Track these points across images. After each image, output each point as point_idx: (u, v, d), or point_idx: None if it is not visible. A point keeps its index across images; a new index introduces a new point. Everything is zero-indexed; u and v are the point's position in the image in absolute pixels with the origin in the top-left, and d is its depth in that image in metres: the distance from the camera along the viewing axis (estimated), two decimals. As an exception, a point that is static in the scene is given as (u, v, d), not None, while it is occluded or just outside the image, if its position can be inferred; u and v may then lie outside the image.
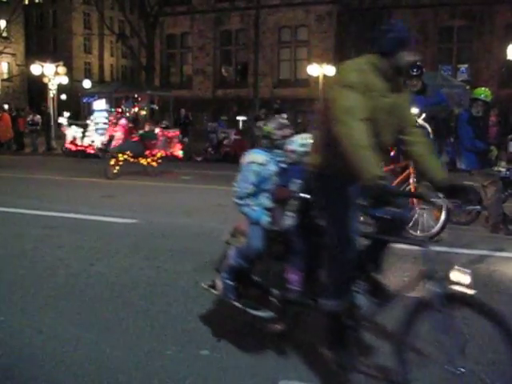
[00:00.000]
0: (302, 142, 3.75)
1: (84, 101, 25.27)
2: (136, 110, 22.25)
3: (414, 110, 7.29)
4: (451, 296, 2.79)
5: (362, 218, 3.53)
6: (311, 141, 3.57)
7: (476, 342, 3.47)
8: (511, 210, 7.83)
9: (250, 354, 3.65)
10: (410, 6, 27.17)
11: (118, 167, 13.08)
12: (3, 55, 45.80)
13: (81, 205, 9.47)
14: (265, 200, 3.76)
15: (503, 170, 7.83)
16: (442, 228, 6.75)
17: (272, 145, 3.82)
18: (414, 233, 6.87)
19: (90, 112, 23.24)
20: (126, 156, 13.22)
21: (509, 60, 21.49)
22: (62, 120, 22.03)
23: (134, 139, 13.82)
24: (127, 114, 22.03)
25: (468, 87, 20.65)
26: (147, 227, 7.72)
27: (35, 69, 24.67)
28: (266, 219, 3.71)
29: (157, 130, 15.01)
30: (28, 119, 24.28)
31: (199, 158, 19.31)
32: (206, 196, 10.68)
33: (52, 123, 23.76)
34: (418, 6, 26.96)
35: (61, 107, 26.43)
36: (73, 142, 20.29)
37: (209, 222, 7.99)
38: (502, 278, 5.42)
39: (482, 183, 7.54)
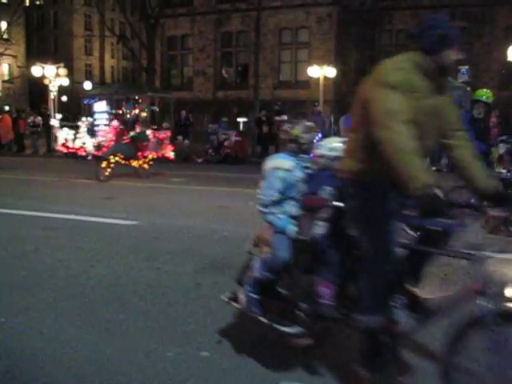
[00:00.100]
0: (331, 145, 3.58)
1: (85, 102, 25.18)
2: (137, 111, 22.30)
3: None
4: (506, 314, 2.59)
5: (402, 228, 3.28)
6: (342, 145, 3.39)
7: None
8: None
9: (251, 355, 3.65)
10: (410, 7, 27.17)
11: (109, 169, 13.01)
12: (4, 57, 45.84)
13: (81, 206, 9.47)
14: (291, 208, 3.57)
15: (504, 171, 7.83)
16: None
17: (299, 149, 3.62)
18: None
19: (91, 113, 23.27)
20: (117, 158, 13.13)
21: (509, 61, 21.49)
22: (54, 122, 21.86)
23: (126, 141, 13.72)
24: (128, 116, 22.05)
25: (469, 89, 20.65)
26: (147, 229, 7.72)
27: (36, 70, 24.69)
28: (292, 228, 3.52)
29: (148, 132, 14.88)
30: (29, 121, 24.30)
31: (200, 160, 19.32)
32: (207, 197, 10.68)
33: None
34: (417, 8, 26.95)
35: (61, 109, 26.43)
36: (64, 145, 20.17)
37: (209, 224, 7.99)
38: (502, 279, 5.42)
39: None
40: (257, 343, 3.82)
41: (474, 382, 2.74)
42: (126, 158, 13.38)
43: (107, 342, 3.86)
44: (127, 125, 14.98)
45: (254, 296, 3.60)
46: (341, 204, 3.26)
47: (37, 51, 53.06)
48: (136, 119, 21.66)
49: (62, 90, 27.67)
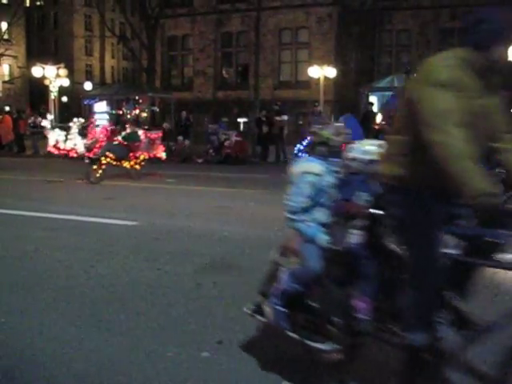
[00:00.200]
0: (364, 148, 3.39)
1: (85, 103, 25.26)
2: (137, 112, 22.30)
3: None
4: None
5: (447, 238, 3.00)
6: (377, 148, 3.25)
7: None
8: None
9: (251, 355, 3.65)
10: (411, 7, 27.17)
11: (100, 171, 12.83)
12: (4, 57, 45.82)
13: (81, 207, 9.47)
14: (320, 215, 3.37)
15: (504, 171, 7.82)
16: None
17: (329, 152, 3.40)
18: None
19: (91, 114, 23.27)
20: (108, 159, 12.97)
21: (509, 62, 21.49)
22: (45, 123, 21.67)
23: (117, 141, 13.55)
24: (128, 116, 22.02)
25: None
26: (147, 229, 7.73)
27: (36, 71, 24.70)
28: (323, 237, 3.32)
29: (140, 132, 14.64)
30: (29, 121, 24.30)
31: (200, 160, 19.32)
32: (207, 198, 10.68)
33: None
34: (418, 8, 26.95)
35: (62, 109, 26.44)
36: (55, 146, 19.94)
37: (209, 224, 8.00)
38: (503, 279, 5.41)
39: None
40: (257, 343, 3.82)
41: None
42: (118, 159, 13.21)
43: (107, 342, 3.86)
44: (123, 124, 14.88)
45: (282, 309, 3.39)
46: (379, 212, 3.06)
47: (37, 52, 53.04)
48: (136, 119, 21.60)
49: (62, 91, 27.69)
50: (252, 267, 5.69)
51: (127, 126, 14.58)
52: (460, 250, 2.89)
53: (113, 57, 64.33)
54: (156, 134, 15.62)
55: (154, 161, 14.98)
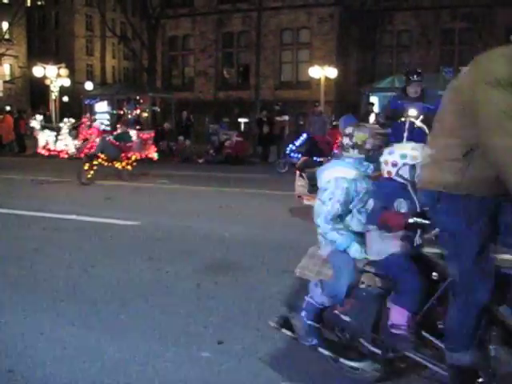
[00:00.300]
0: (403, 152, 3.11)
1: (86, 103, 25.27)
2: (138, 112, 22.32)
3: (413, 112, 7.31)
4: None
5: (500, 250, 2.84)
6: (420, 151, 3.02)
7: None
8: None
9: (251, 356, 3.64)
10: (412, 8, 27.15)
11: (92, 172, 12.60)
12: (5, 57, 45.82)
13: (82, 206, 9.47)
14: (354, 223, 3.20)
15: None
16: None
17: (364, 156, 3.23)
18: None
19: (92, 114, 23.28)
20: (100, 160, 12.75)
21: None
22: (34, 123, 21.32)
23: (109, 141, 13.27)
24: (129, 116, 21.98)
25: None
26: (148, 229, 7.72)
27: (37, 71, 24.69)
28: (357, 246, 3.14)
29: (133, 133, 14.31)
30: (30, 121, 24.30)
31: (201, 160, 19.32)
32: (208, 198, 10.67)
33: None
34: (419, 8, 26.94)
35: (63, 109, 26.43)
36: (45, 147, 19.67)
37: (210, 224, 7.99)
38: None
39: None
40: (257, 344, 3.82)
41: None
42: (110, 160, 12.99)
43: (108, 342, 3.86)
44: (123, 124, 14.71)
45: (313, 324, 3.21)
46: (424, 221, 2.86)
47: (38, 51, 53.03)
48: (137, 119, 21.55)
49: (63, 91, 27.68)
50: (252, 267, 5.69)
51: (118, 126, 14.30)
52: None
53: (114, 57, 64.34)
54: (148, 135, 15.25)
55: (153, 161, 14.91)
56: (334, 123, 18.33)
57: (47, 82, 24.67)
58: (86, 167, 12.54)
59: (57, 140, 18.76)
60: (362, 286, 3.09)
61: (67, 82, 26.67)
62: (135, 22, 31.31)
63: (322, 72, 23.05)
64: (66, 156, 15.61)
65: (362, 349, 3.07)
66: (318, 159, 12.43)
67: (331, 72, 23.61)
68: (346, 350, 3.14)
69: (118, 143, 13.26)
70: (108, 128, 16.16)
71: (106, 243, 6.82)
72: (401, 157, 3.11)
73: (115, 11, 50.96)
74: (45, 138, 19.67)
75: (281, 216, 8.58)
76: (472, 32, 26.45)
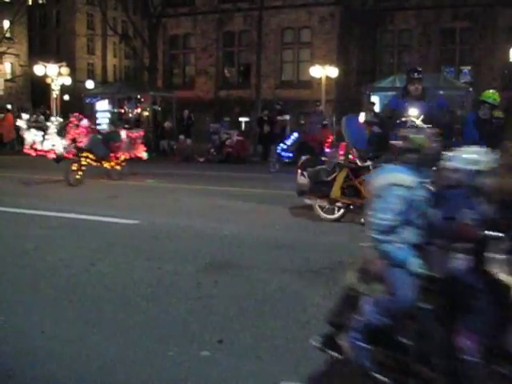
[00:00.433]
0: (469, 157, 2.87)
1: (87, 101, 25.26)
2: (139, 110, 22.33)
3: (414, 112, 7.31)
4: None
5: None
6: (486, 156, 2.83)
7: None
8: None
9: (251, 355, 3.65)
10: (413, 7, 27.12)
11: (81, 172, 12.29)
12: (6, 56, 45.80)
13: (81, 205, 9.48)
14: (410, 235, 2.90)
15: None
16: None
17: (422, 161, 2.94)
18: None
19: (93, 112, 23.28)
20: (89, 160, 12.51)
21: (511, 62, 21.46)
22: (21, 123, 20.95)
23: (98, 140, 13.03)
24: (130, 115, 21.94)
25: (471, 89, 20.60)
26: (148, 228, 7.73)
27: (38, 69, 24.68)
28: (415, 261, 2.83)
29: (122, 132, 14.01)
30: (32, 120, 24.29)
31: (201, 159, 19.33)
32: (208, 197, 10.67)
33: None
34: (420, 8, 26.92)
35: (64, 108, 26.41)
36: (32, 147, 19.29)
37: (210, 223, 7.99)
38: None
39: None
40: (257, 343, 3.82)
41: None
42: (98, 159, 12.73)
43: (108, 341, 3.86)
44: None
45: (364, 345, 2.92)
46: (496, 233, 2.62)
47: (39, 50, 53.02)
48: (138, 118, 21.38)
49: (64, 89, 27.67)
50: (252, 266, 5.70)
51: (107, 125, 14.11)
52: None
53: (115, 55, 64.31)
54: (137, 133, 14.91)
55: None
56: (325, 122, 18.39)
57: (48, 80, 24.67)
58: (74, 167, 12.26)
59: (44, 140, 18.35)
60: (422, 304, 2.80)
61: (68, 81, 26.65)
62: (136, 21, 31.29)
63: (323, 71, 23.03)
64: (54, 156, 15.31)
65: (422, 375, 2.77)
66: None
67: (332, 71, 23.59)
68: (403, 375, 2.82)
69: (106, 143, 13.02)
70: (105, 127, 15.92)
71: (105, 242, 6.81)
72: (464, 162, 2.88)
73: (116, 10, 50.89)
74: (31, 137, 19.23)
75: (281, 215, 8.59)
76: (473, 32, 26.43)
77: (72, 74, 31.21)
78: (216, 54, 30.68)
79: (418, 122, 7.21)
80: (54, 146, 18.40)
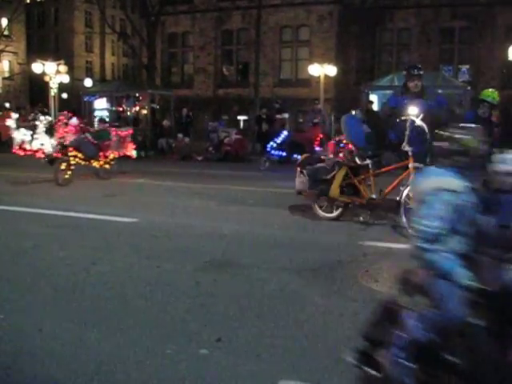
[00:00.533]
0: None
1: (85, 99, 25.24)
2: (137, 108, 22.31)
3: (414, 111, 7.31)
4: None
5: None
6: None
7: None
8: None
9: (250, 353, 3.64)
10: (412, 6, 27.13)
11: (69, 172, 12.01)
12: (4, 53, 45.71)
13: (80, 204, 9.47)
14: (457, 244, 2.68)
15: None
16: None
17: (471, 164, 2.73)
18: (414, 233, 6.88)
19: (91, 110, 23.25)
20: (77, 159, 12.27)
21: (510, 61, 21.47)
22: (10, 122, 20.57)
23: (86, 139, 12.81)
24: (128, 113, 21.89)
25: (469, 88, 20.63)
26: (147, 226, 7.72)
27: (36, 67, 24.64)
28: (463, 272, 2.61)
29: (111, 130, 13.84)
30: (30, 118, 24.24)
31: (200, 158, 19.32)
32: (206, 195, 10.66)
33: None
34: (419, 6, 26.92)
35: (62, 106, 26.37)
36: (21, 147, 18.94)
37: (209, 222, 7.99)
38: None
39: None
40: (256, 342, 3.82)
41: None
42: (87, 158, 12.54)
43: (106, 340, 3.86)
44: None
45: (407, 363, 2.67)
46: None
47: (37, 48, 52.95)
48: (136, 116, 21.31)
49: (62, 87, 27.65)
50: (252, 265, 5.69)
51: (97, 123, 13.77)
52: None
53: (113, 54, 64.23)
54: (126, 132, 14.77)
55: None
56: (315, 121, 18.43)
57: (46, 78, 24.62)
58: (62, 167, 11.98)
59: (33, 139, 18.00)
60: (473, 320, 2.60)
61: (66, 79, 26.63)
62: (135, 19, 31.27)
63: (322, 70, 23.04)
64: (43, 156, 15.05)
65: None
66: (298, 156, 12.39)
67: (331, 70, 23.60)
68: None
69: (95, 141, 12.85)
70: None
71: (104, 241, 6.81)
72: None
73: (115, 8, 50.86)
74: (20, 137, 18.87)
75: (280, 214, 8.58)
76: (472, 31, 26.44)
77: (70, 72, 31.16)
78: (214, 52, 30.67)
79: (418, 120, 7.22)
80: (42, 145, 18.04)
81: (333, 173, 7.95)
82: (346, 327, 4.04)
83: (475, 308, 2.59)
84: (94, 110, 23.34)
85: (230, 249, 6.42)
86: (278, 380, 3.31)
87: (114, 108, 22.76)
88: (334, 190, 7.86)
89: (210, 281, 5.18)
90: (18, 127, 18.42)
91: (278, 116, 19.80)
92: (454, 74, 26.87)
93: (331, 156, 8.23)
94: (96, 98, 24.31)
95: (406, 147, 7.19)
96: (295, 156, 17.18)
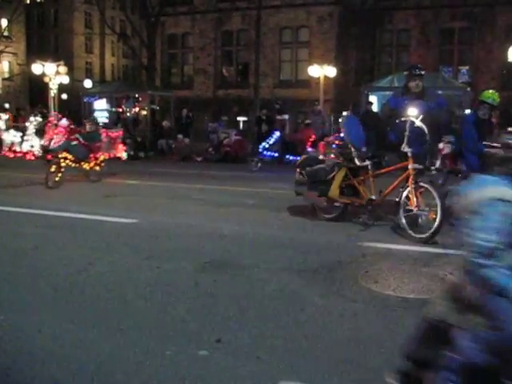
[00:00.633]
0: None
1: (85, 100, 25.26)
2: (137, 109, 22.33)
3: (413, 112, 7.31)
4: None
5: None
6: None
7: None
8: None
9: (250, 354, 3.64)
10: (411, 7, 27.16)
11: (60, 174, 11.82)
12: (4, 54, 45.76)
13: (79, 204, 9.46)
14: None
15: None
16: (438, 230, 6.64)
17: None
18: (413, 234, 6.88)
19: (91, 111, 23.27)
20: (68, 161, 12.09)
21: (510, 62, 21.49)
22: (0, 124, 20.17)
23: (76, 141, 12.52)
24: (128, 114, 21.91)
25: (468, 89, 20.64)
26: (147, 227, 7.72)
27: (36, 68, 24.62)
28: None
29: (101, 132, 13.68)
30: (30, 118, 24.28)
31: (199, 158, 19.33)
32: (206, 196, 10.66)
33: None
34: (418, 8, 26.95)
35: (62, 107, 26.39)
36: (10, 148, 18.14)
37: (209, 223, 7.99)
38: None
39: None
40: (256, 342, 3.81)
41: None
42: (77, 160, 12.34)
43: (106, 340, 3.86)
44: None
45: None
46: None
47: (37, 49, 52.96)
48: (136, 117, 21.26)
49: (62, 88, 27.61)
50: (251, 266, 5.69)
51: (87, 124, 13.45)
52: None
53: (113, 54, 64.23)
54: (117, 133, 14.54)
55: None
56: (307, 122, 18.47)
57: (46, 79, 24.59)
58: (52, 169, 11.77)
59: (22, 141, 17.68)
60: None
61: (66, 80, 26.60)
62: (135, 20, 31.31)
63: (321, 71, 23.05)
64: (33, 158, 14.71)
65: None
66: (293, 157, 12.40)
67: (330, 71, 23.61)
68: None
69: (86, 143, 12.62)
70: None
71: (104, 241, 6.80)
72: None
73: (114, 9, 50.90)
74: (10, 138, 18.54)
75: (280, 214, 8.58)
76: (472, 32, 26.47)
77: (70, 72, 31.13)
78: (214, 53, 30.70)
79: (418, 122, 7.22)
80: (32, 147, 17.72)
81: (332, 174, 7.95)
82: (345, 328, 4.05)
83: None
84: (93, 110, 23.35)
85: (229, 249, 6.42)
86: (278, 381, 3.31)
87: (113, 109, 22.79)
88: (334, 190, 7.86)
89: (209, 281, 5.18)
90: (8, 128, 18.11)
91: (278, 117, 19.81)
92: (453, 75, 26.89)
93: (321, 157, 8.24)
94: (96, 99, 24.35)
95: (406, 148, 7.18)
96: (287, 157, 17.27)
